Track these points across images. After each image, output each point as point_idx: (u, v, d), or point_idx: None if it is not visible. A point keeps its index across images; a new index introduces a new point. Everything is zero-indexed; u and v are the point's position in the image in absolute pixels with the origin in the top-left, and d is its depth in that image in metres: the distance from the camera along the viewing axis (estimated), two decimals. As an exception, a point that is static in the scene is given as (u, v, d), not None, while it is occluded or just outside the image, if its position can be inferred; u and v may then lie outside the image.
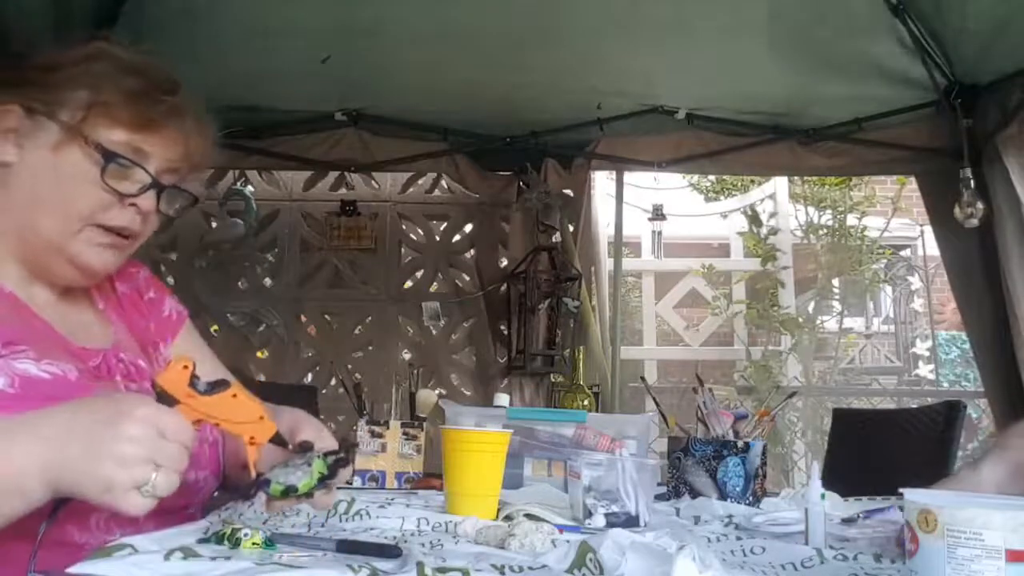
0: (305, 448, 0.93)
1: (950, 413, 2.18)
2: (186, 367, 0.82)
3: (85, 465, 0.74)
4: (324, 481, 0.91)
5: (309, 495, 0.91)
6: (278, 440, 0.90)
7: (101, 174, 0.96)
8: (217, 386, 0.84)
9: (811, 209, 5.34)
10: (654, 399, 2.25)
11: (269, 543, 0.86)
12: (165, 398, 0.81)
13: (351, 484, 1.62)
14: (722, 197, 6.79)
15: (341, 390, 3.48)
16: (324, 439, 0.98)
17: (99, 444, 0.74)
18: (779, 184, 5.44)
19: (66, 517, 0.88)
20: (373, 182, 3.78)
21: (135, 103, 0.98)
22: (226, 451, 1.14)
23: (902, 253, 7.65)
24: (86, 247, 0.99)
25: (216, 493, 1.15)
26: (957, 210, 2.75)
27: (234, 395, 0.84)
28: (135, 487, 0.74)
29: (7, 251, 0.99)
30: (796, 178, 5.18)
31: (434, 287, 3.75)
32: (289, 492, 0.89)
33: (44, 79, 0.97)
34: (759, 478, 1.42)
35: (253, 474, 0.89)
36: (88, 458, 0.74)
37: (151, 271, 1.24)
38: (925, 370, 7.28)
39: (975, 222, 2.73)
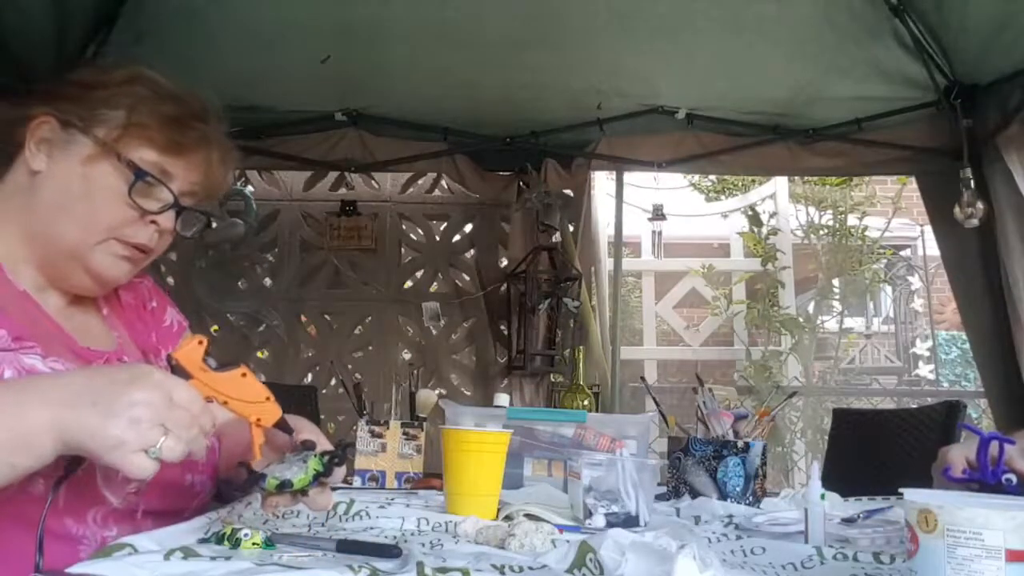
0: (306, 447, 0.94)
1: (950, 413, 2.18)
2: (201, 343, 0.84)
3: (96, 423, 0.75)
4: (319, 478, 0.92)
5: (304, 492, 0.92)
6: (283, 425, 0.91)
7: (129, 190, 1.00)
8: (228, 365, 0.86)
9: (811, 209, 5.34)
10: (654, 399, 2.25)
11: (269, 543, 0.86)
12: (179, 371, 0.83)
13: (350, 484, 1.62)
14: (722, 197, 6.80)
15: (341, 390, 3.48)
16: (322, 443, 0.99)
17: (112, 404, 0.76)
18: (779, 184, 5.44)
19: (65, 510, 0.90)
20: (373, 182, 3.78)
21: (169, 127, 1.02)
22: (222, 453, 1.15)
23: (902, 253, 7.66)
24: (104, 257, 1.02)
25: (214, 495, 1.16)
26: (957, 210, 2.75)
27: (243, 374, 0.87)
28: (143, 448, 0.75)
29: (25, 255, 1.02)
30: (796, 178, 5.18)
31: (434, 287, 3.75)
32: (284, 486, 0.90)
33: (83, 95, 1.02)
34: (759, 478, 1.42)
35: (258, 455, 0.90)
36: (100, 417, 0.75)
37: (152, 277, 1.26)
38: (925, 370, 7.29)
39: (975, 222, 2.73)
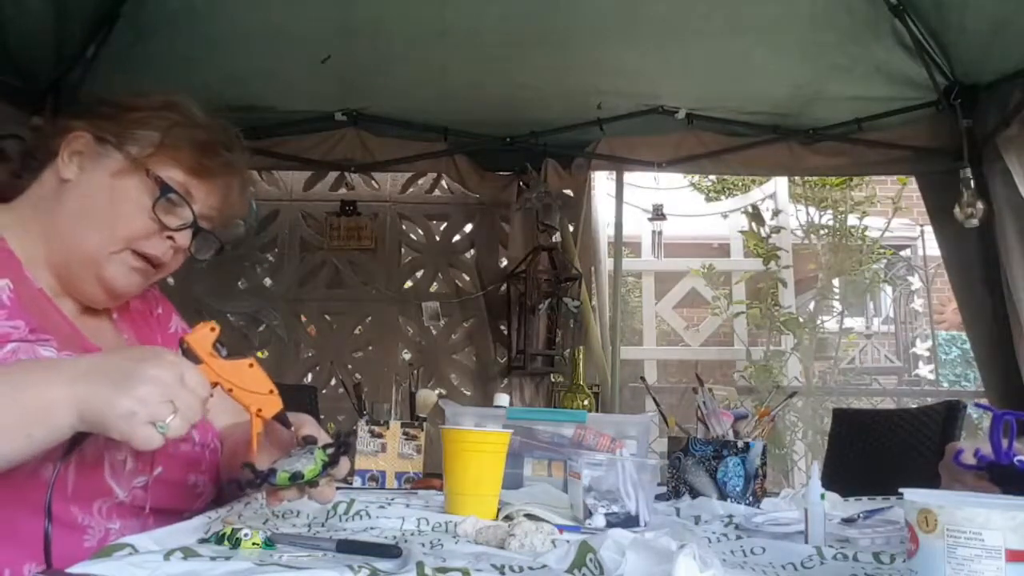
0: (308, 442, 0.96)
1: (950, 413, 2.18)
2: (213, 329, 0.87)
3: (110, 394, 0.79)
4: (327, 469, 0.94)
5: (314, 483, 0.93)
6: (282, 418, 0.94)
7: (153, 204, 1.05)
8: (237, 354, 0.89)
9: (811, 209, 5.34)
10: (654, 399, 2.25)
11: (269, 543, 0.86)
12: (190, 355, 0.86)
13: (350, 484, 1.62)
14: (723, 197, 6.80)
15: (341, 390, 3.48)
16: (322, 438, 1.01)
17: (126, 378, 0.80)
18: (779, 184, 5.44)
19: (72, 498, 0.94)
20: (373, 182, 3.78)
21: (198, 151, 1.08)
22: (224, 454, 1.16)
23: (902, 253, 7.66)
24: (118, 267, 1.06)
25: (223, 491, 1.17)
26: (957, 210, 2.75)
27: (250, 364, 0.90)
28: (151, 421, 0.79)
29: (45, 259, 1.06)
30: (796, 178, 5.18)
31: (434, 287, 3.75)
32: (296, 478, 0.92)
33: (120, 115, 1.09)
34: (759, 478, 1.42)
35: (255, 445, 0.92)
36: (114, 389, 0.79)
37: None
38: (925, 370, 7.29)
39: (975, 222, 2.73)
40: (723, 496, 1.42)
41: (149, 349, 0.89)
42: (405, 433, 1.69)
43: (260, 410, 0.91)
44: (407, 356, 3.64)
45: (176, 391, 0.81)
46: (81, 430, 0.81)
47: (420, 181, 3.78)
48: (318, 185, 3.75)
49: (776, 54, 2.81)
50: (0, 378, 0.82)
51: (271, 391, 0.91)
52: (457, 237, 3.79)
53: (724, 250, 6.06)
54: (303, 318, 3.77)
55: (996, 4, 2.43)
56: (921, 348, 7.50)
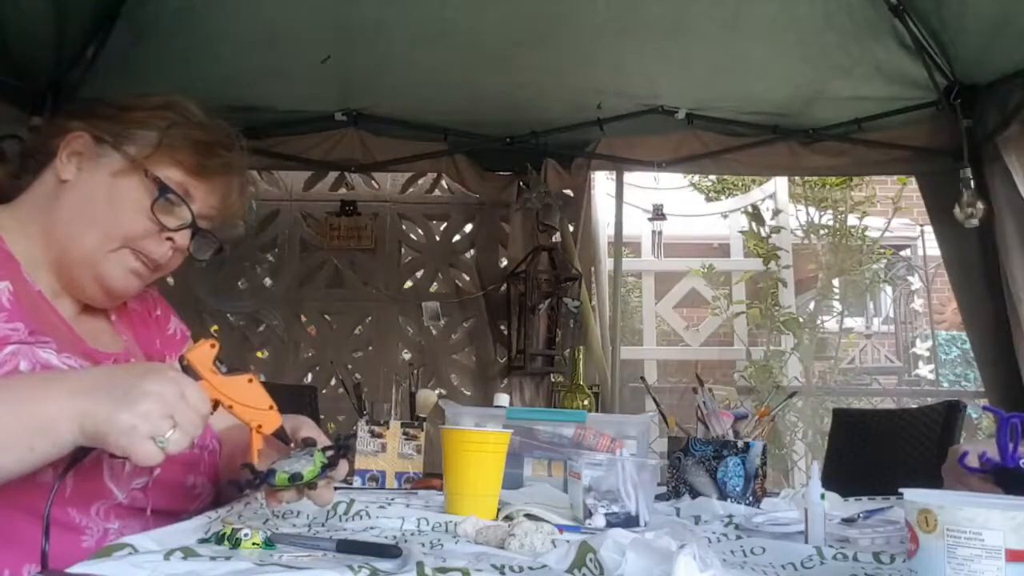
0: (308, 444, 0.96)
1: (950, 413, 2.18)
2: (213, 346, 0.88)
3: (112, 409, 0.79)
4: (325, 471, 0.94)
5: (312, 485, 0.94)
6: (281, 435, 0.94)
7: (152, 204, 1.05)
8: (236, 370, 0.90)
9: (811, 209, 5.34)
10: (654, 399, 2.25)
11: (269, 543, 0.86)
12: (190, 371, 0.86)
13: (350, 484, 1.62)
14: (723, 197, 6.80)
15: (341, 390, 3.48)
16: (322, 441, 1.01)
17: (127, 393, 0.80)
18: (779, 184, 5.44)
19: (70, 500, 0.94)
20: (373, 182, 3.78)
21: (197, 151, 1.08)
22: (223, 457, 1.16)
23: (902, 253, 7.66)
24: (116, 267, 1.06)
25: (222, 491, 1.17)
26: (957, 210, 2.75)
27: (250, 380, 0.90)
28: (152, 436, 0.79)
29: (45, 259, 1.06)
30: (796, 178, 5.18)
31: (434, 287, 3.75)
32: (294, 479, 0.92)
33: (118, 116, 1.09)
34: (759, 478, 1.42)
35: (256, 460, 0.92)
36: (115, 404, 0.79)
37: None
38: (925, 370, 7.29)
39: (975, 222, 2.73)
40: (723, 496, 1.41)
41: (152, 365, 0.89)
42: (405, 433, 1.69)
43: (260, 426, 0.92)
44: (407, 356, 3.64)
45: (177, 406, 0.81)
46: (82, 444, 0.81)
47: (420, 181, 3.78)
48: (318, 185, 3.75)
49: (776, 54, 2.81)
50: (2, 391, 0.82)
51: (270, 407, 0.92)
52: (457, 237, 3.79)
53: (724, 250, 6.07)
54: (303, 318, 3.77)
55: (996, 4, 2.43)
56: (921, 348, 7.50)
